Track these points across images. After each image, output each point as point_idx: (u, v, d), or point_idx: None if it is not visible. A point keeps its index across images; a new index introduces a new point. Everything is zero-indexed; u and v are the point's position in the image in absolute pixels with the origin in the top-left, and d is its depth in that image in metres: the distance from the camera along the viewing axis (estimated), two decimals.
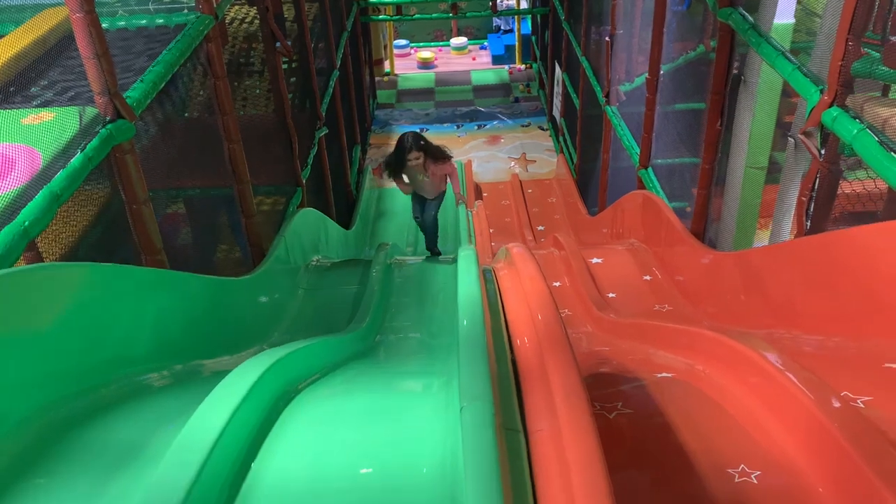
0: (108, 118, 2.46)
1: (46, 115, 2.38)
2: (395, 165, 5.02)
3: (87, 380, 1.95)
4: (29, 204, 2.01)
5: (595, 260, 4.69)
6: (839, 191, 2.72)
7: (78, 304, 1.95)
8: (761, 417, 1.52)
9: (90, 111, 2.40)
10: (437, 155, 5.02)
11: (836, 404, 1.39)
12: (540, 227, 8.59)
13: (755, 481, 1.34)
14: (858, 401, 1.57)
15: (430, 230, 5.54)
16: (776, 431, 1.45)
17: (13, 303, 1.71)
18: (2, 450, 1.60)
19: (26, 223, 1.95)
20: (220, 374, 1.78)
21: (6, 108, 2.52)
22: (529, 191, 9.69)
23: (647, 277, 4.37)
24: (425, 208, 5.36)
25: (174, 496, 1.18)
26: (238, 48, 5.26)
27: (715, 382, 1.77)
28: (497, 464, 0.93)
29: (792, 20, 4.02)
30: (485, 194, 9.35)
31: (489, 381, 1.11)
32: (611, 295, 4.18)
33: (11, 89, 2.74)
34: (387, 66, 14.50)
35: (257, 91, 5.49)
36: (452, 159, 5.18)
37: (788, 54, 3.00)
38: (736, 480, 1.35)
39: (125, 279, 2.23)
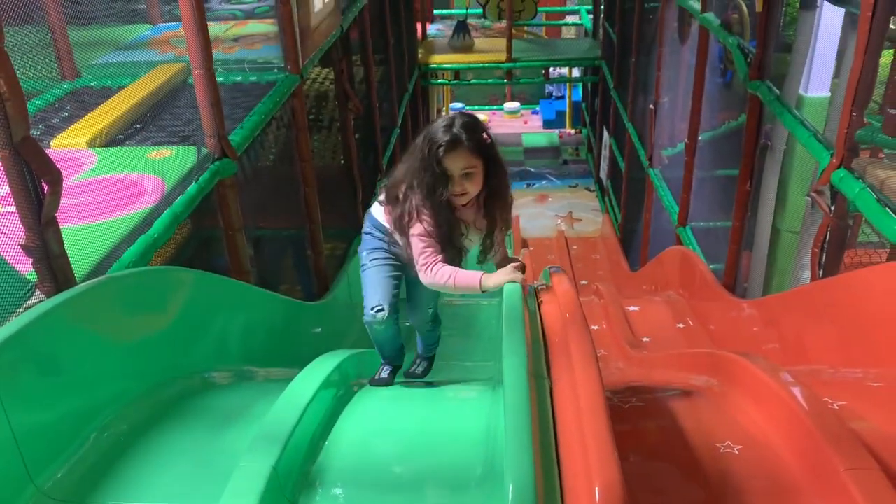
0: (216, 156, 2.95)
1: (166, 151, 2.87)
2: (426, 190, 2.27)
3: (190, 368, 2.37)
4: (156, 221, 2.48)
5: (632, 308, 5.01)
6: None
7: (187, 303, 2.38)
8: (750, 410, 1.85)
9: (203, 151, 2.89)
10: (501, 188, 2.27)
11: (811, 399, 1.71)
12: (583, 282, 8.89)
13: (737, 452, 1.68)
14: (835, 404, 1.90)
15: (432, 332, 2.78)
16: (761, 420, 1.78)
17: (144, 294, 2.15)
18: (125, 416, 2.00)
19: (155, 235, 2.41)
20: None
21: (132, 146, 3.04)
22: (575, 247, 10.02)
23: (681, 325, 4.67)
24: (416, 295, 2.59)
25: (284, 428, 1.57)
26: (309, 105, 5.81)
27: (719, 389, 2.10)
28: (528, 395, 1.28)
29: (828, 93, 4.35)
30: (531, 248, 9.71)
31: (525, 344, 1.48)
32: (645, 339, 4.49)
33: (133, 131, 3.27)
34: None
35: (325, 144, 6.02)
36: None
37: (807, 122, 3.37)
38: (721, 451, 1.69)
39: (224, 288, 2.67)
